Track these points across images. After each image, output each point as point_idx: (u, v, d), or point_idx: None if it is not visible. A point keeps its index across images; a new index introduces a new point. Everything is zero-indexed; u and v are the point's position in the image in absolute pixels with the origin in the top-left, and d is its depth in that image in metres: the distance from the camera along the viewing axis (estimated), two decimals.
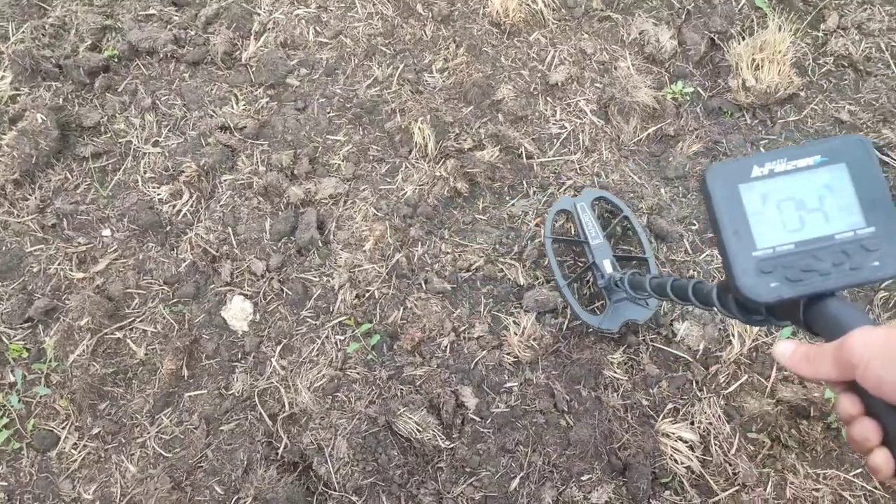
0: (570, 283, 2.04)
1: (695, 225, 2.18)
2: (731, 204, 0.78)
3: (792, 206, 0.78)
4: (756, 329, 2.04)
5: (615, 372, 2.01)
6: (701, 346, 2.03)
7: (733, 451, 1.90)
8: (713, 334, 2.04)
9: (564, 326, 2.08)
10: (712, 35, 2.42)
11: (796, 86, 2.31)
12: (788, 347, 0.75)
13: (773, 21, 2.34)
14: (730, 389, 1.97)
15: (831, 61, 2.41)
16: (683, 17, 2.46)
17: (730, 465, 1.89)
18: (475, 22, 2.46)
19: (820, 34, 2.46)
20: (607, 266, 1.94)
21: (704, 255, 2.14)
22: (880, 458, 0.65)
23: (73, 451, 2.03)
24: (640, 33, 2.44)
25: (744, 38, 2.38)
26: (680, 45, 2.43)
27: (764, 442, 1.92)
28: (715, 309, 1.05)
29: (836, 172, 0.77)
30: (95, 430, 2.04)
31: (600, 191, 2.14)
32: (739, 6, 2.48)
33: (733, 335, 2.03)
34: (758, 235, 0.77)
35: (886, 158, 2.20)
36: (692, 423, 1.94)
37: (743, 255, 0.77)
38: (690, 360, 2.03)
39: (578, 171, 2.26)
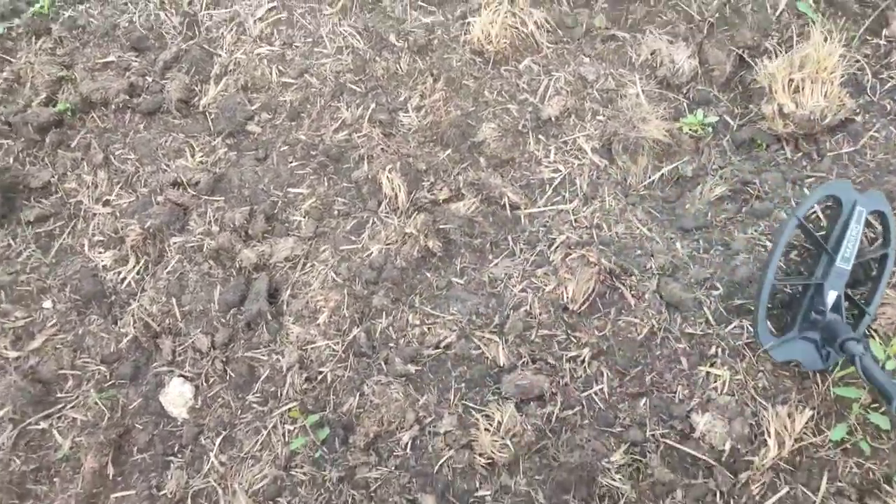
0: (776, 292, 1.64)
1: (718, 289, 1.75)
2: None
3: None
4: (800, 426, 1.59)
5: (614, 479, 1.61)
6: (727, 446, 1.59)
7: None
8: (742, 431, 1.60)
9: (553, 417, 1.69)
10: (741, 51, 1.99)
11: (850, 109, 1.85)
12: None
13: (817, 31, 1.89)
14: None
15: None
16: (705, 30, 2.04)
17: None
18: (455, 51, 2.13)
19: (882, 42, 1.98)
20: (831, 299, 1.54)
21: (731, 326, 1.71)
22: None
23: None
24: (651, 53, 2.05)
25: (780, 54, 1.94)
26: (701, 66, 2.02)
27: None
28: None
29: None
30: None
31: (886, 204, 1.65)
32: (777, 13, 2.04)
33: (769, 433, 1.59)
34: None
35: None
36: None
37: None
38: (713, 463, 1.60)
39: (574, 223, 1.88)
